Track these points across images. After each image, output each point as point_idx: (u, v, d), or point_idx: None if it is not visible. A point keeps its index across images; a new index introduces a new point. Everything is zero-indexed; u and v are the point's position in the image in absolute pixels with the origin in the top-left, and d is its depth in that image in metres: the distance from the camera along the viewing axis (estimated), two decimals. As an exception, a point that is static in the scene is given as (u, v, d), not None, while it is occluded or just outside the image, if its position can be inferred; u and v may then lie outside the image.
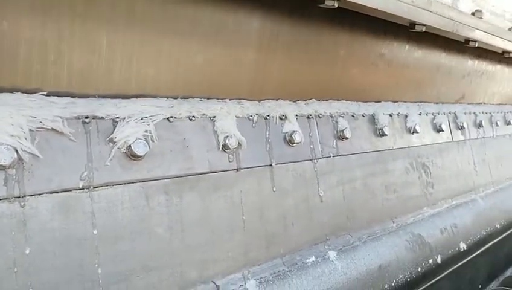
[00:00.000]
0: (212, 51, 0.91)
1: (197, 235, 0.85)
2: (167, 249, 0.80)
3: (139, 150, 0.76)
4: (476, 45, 1.22)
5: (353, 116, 1.29)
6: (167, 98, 0.85)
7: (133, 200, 0.77)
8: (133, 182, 0.77)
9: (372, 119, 1.35)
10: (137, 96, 0.81)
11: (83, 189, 0.71)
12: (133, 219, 0.76)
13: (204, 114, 0.89)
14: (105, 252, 0.72)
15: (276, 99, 1.09)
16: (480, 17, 1.17)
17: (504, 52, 1.43)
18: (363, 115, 1.32)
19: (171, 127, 0.84)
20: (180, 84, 0.88)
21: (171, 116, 0.84)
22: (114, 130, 0.75)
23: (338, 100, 1.25)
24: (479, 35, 1.18)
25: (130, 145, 0.75)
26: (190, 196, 0.85)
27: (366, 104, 1.34)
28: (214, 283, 0.86)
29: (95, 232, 0.72)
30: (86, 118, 0.73)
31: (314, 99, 1.19)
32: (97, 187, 0.72)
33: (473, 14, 1.18)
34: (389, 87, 1.41)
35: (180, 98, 0.88)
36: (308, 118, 1.15)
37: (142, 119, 0.79)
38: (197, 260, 0.84)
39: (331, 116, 1.22)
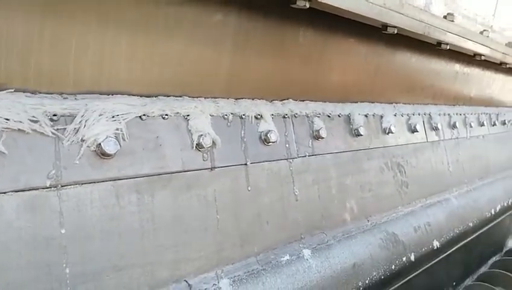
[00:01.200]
0: (186, 49, 0.90)
1: (169, 234, 0.84)
2: (138, 249, 0.80)
3: (109, 148, 0.75)
4: (448, 48, 1.24)
5: (329, 116, 1.30)
6: (140, 96, 0.85)
7: (103, 199, 0.76)
8: (103, 181, 0.76)
9: (348, 119, 1.36)
10: (109, 94, 0.80)
11: (51, 188, 0.70)
12: (102, 218, 0.75)
13: (178, 113, 0.89)
14: (74, 252, 0.71)
15: (252, 99, 1.10)
16: (452, 20, 1.20)
17: (475, 54, 1.47)
18: (339, 115, 1.34)
19: (144, 125, 0.83)
20: (153, 83, 0.87)
21: (144, 115, 0.83)
22: (84, 128, 0.74)
23: (314, 100, 1.26)
24: (451, 38, 1.21)
25: (100, 144, 0.74)
26: (162, 195, 0.84)
27: (342, 104, 1.36)
28: (186, 282, 0.86)
29: (63, 231, 0.70)
30: (54, 115, 0.71)
31: (290, 99, 1.20)
32: (65, 186, 0.71)
33: (445, 17, 1.20)
34: (365, 88, 1.43)
35: (154, 96, 0.88)
36: (284, 117, 1.15)
37: (113, 117, 0.78)
38: (169, 259, 0.84)
39: (307, 116, 1.23)
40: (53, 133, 0.70)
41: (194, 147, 0.91)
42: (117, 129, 0.77)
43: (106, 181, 0.76)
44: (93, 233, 0.74)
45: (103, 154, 0.75)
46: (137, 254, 0.80)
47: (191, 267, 0.87)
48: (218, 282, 0.90)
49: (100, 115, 0.76)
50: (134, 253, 0.79)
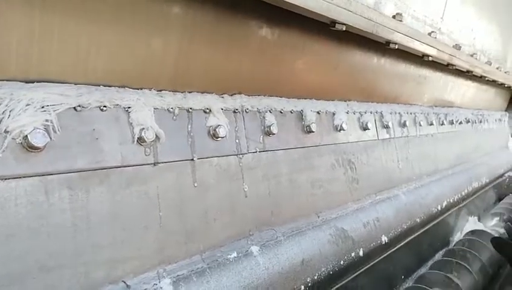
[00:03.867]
0: (127, 37, 0.85)
1: (105, 232, 0.80)
2: (70, 248, 0.75)
3: (37, 140, 0.69)
4: (396, 47, 1.27)
5: (281, 112, 1.29)
6: (75, 84, 0.79)
7: (29, 196, 0.70)
8: (30, 176, 0.70)
9: (300, 115, 1.36)
10: (39, 81, 0.75)
11: (-32, 183, 0.64)
12: (29, 215, 0.70)
13: (117, 104, 0.84)
14: (-5, 253, 0.66)
15: (202, 92, 1.07)
16: (401, 20, 1.23)
17: (424, 55, 1.52)
18: (291, 112, 1.33)
19: (78, 117, 0.78)
20: (91, 71, 0.82)
21: (79, 106, 0.78)
22: (8, 118, 0.68)
23: (266, 95, 1.25)
24: (399, 38, 1.23)
25: (26, 136, 0.69)
26: (99, 191, 0.79)
27: (295, 100, 1.35)
28: (124, 282, 0.82)
29: (-18, 230, 0.65)
30: (-27, 104, 0.65)
31: (242, 94, 1.18)
32: (-15, 181, 0.65)
33: (393, 17, 1.23)
34: (317, 85, 1.43)
35: (93, 86, 0.83)
36: (234, 112, 1.13)
37: (42, 107, 0.72)
38: (105, 259, 0.80)
39: (259, 112, 1.21)
40: (-30, 124, 0.64)
41: (135, 141, 0.86)
42: (46, 120, 0.72)
43: (34, 176, 0.71)
44: (18, 232, 0.69)
45: (30, 147, 0.70)
46: (69, 254, 0.75)
47: (129, 267, 0.83)
48: (160, 282, 0.86)
49: (27, 104, 0.70)
50: (65, 253, 0.74)
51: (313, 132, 1.37)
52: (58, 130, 0.74)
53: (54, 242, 0.73)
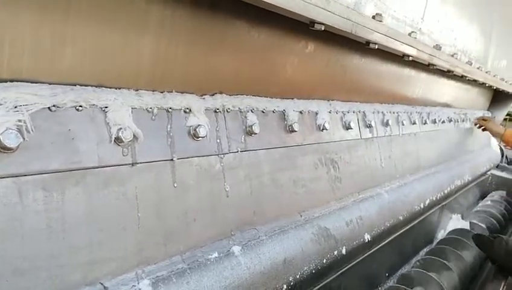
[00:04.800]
0: (106, 36, 0.84)
1: (82, 234, 0.79)
2: (45, 250, 0.74)
3: (9, 141, 0.68)
4: (376, 47, 1.28)
5: (263, 112, 1.29)
6: (49, 84, 0.78)
7: (2, 197, 0.69)
8: (2, 177, 0.69)
9: (283, 115, 1.37)
10: (11, 81, 0.73)
11: None
12: (2, 217, 0.69)
13: (94, 104, 0.83)
14: (-35, 256, 0.64)
15: (182, 92, 1.06)
16: (380, 21, 1.24)
17: (404, 55, 1.54)
18: (273, 111, 1.33)
19: (53, 117, 0.77)
20: (66, 70, 0.81)
21: (54, 106, 0.77)
22: (-22, 118, 0.67)
23: (247, 95, 1.24)
24: (379, 38, 1.25)
25: (-2, 136, 0.68)
26: (75, 192, 0.78)
27: (277, 100, 1.36)
28: (102, 284, 0.81)
29: (-49, 233, 0.63)
30: None
31: (223, 94, 1.18)
32: (-46, 183, 0.64)
33: (373, 17, 1.24)
34: (300, 85, 1.44)
35: (68, 85, 0.82)
36: (215, 112, 1.13)
37: (15, 107, 0.71)
38: (82, 260, 0.79)
39: (240, 111, 1.21)
40: None
41: (113, 141, 0.85)
42: (19, 121, 0.71)
43: (6, 177, 0.70)
44: (-11, 235, 0.67)
45: (3, 148, 0.69)
46: (44, 256, 0.74)
47: (107, 268, 0.82)
48: (138, 283, 0.86)
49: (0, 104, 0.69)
50: (40, 255, 0.73)
51: (295, 131, 1.37)
52: (32, 130, 0.72)
53: (29, 244, 0.72)
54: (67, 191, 0.77)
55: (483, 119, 3.28)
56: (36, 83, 0.76)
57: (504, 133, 3.06)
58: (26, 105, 0.72)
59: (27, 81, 0.75)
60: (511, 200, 3.70)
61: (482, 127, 3.26)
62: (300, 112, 1.44)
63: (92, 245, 0.80)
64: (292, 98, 1.43)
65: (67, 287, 0.76)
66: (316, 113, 1.51)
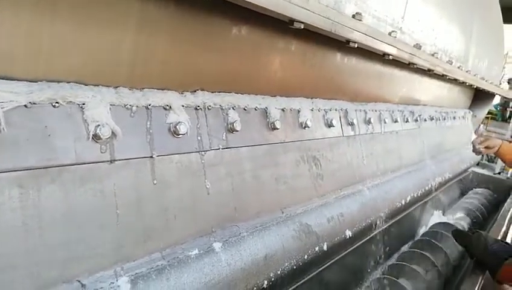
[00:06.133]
0: (83, 31, 0.84)
1: (58, 231, 0.79)
2: (21, 248, 0.73)
3: (-17, 138, 0.68)
4: (356, 46, 1.30)
5: (245, 109, 1.30)
6: (24, 80, 0.77)
7: (-24, 195, 0.68)
8: (-24, 174, 0.69)
9: (265, 113, 1.37)
10: (-15, 78, 0.72)
11: None
12: (-25, 215, 0.68)
13: (71, 101, 0.83)
14: None
15: (162, 89, 1.06)
16: (360, 20, 1.26)
17: (384, 54, 1.56)
18: (255, 109, 1.34)
19: (28, 113, 0.76)
20: (42, 66, 0.80)
21: (29, 103, 0.76)
22: (-49, 115, 0.66)
23: (229, 92, 1.25)
24: (358, 37, 1.26)
25: (-29, 133, 0.67)
26: (51, 190, 0.78)
27: (259, 98, 1.36)
28: (79, 282, 0.81)
29: None
30: None
31: (204, 91, 1.18)
32: None
33: (353, 16, 1.26)
34: (282, 82, 1.45)
35: (44, 81, 0.81)
36: (196, 109, 1.13)
37: (-11, 104, 0.70)
38: (59, 258, 0.78)
39: (221, 109, 1.21)
40: None
41: (90, 138, 0.85)
42: (-7, 117, 0.70)
43: (-20, 175, 0.69)
44: (-37, 232, 0.67)
45: (-24, 145, 0.68)
46: (20, 254, 0.73)
47: (85, 266, 0.82)
48: (117, 280, 0.86)
49: (-28, 101, 0.69)
50: (16, 253, 0.72)
51: (277, 129, 1.38)
52: (6, 127, 0.72)
53: (4, 242, 0.71)
54: (43, 189, 0.77)
55: (482, 140, 2.56)
56: (12, 80, 0.76)
57: (499, 149, 2.45)
58: (2, 102, 0.71)
59: (2, 78, 0.74)
60: (491, 197, 3.79)
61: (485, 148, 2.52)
62: (283, 110, 1.45)
63: (69, 243, 0.80)
64: (274, 96, 1.44)
65: (44, 284, 0.75)
66: (298, 111, 1.52)
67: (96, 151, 0.86)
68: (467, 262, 2.35)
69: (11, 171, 0.73)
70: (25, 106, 0.76)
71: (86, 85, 0.87)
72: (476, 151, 2.57)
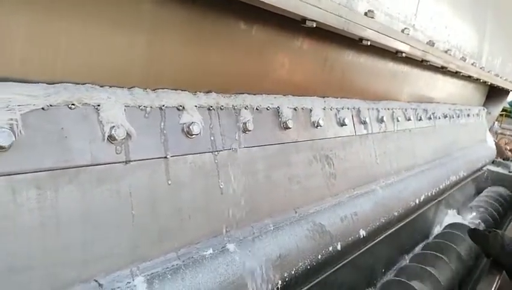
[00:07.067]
0: (98, 33, 0.85)
1: (76, 232, 0.79)
2: (39, 248, 0.74)
3: (2, 140, 0.69)
4: (369, 44, 1.29)
5: (257, 109, 1.30)
6: (41, 83, 0.78)
7: (-5, 196, 0.69)
8: (-5, 176, 0.70)
9: (277, 112, 1.37)
10: (3, 80, 0.73)
11: None
12: (-5, 216, 0.69)
13: (87, 103, 0.84)
14: (-42, 254, 0.65)
15: (175, 90, 1.06)
16: (372, 17, 1.25)
17: (397, 51, 1.54)
18: (267, 108, 1.34)
19: (45, 116, 0.77)
20: (58, 69, 0.81)
21: (46, 105, 0.77)
22: (-30, 117, 0.67)
23: (241, 92, 1.25)
24: (371, 35, 1.25)
25: (-10, 135, 0.68)
26: (68, 191, 0.79)
27: (271, 97, 1.36)
28: (96, 281, 0.82)
29: None
30: None
31: (214, 92, 1.18)
32: None
33: (365, 14, 1.25)
34: (294, 81, 1.44)
35: (60, 83, 0.82)
36: (208, 109, 1.13)
37: (7, 107, 0.71)
38: (77, 258, 0.79)
39: (234, 109, 1.21)
40: None
41: (106, 139, 0.86)
42: (11, 119, 0.71)
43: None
44: (-17, 233, 0.68)
45: (-5, 147, 0.69)
46: (38, 254, 0.74)
47: (101, 266, 0.83)
48: (133, 280, 0.86)
49: (-9, 104, 0.70)
50: (34, 253, 0.73)
51: (289, 128, 1.38)
52: (24, 129, 0.73)
53: (22, 243, 0.72)
54: (60, 190, 0.78)
55: (508, 142, 2.78)
56: (28, 82, 0.77)
57: None
58: (20, 106, 0.72)
59: (19, 81, 0.75)
60: (507, 195, 3.73)
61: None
62: (295, 109, 1.44)
63: (86, 243, 0.81)
64: (286, 95, 1.44)
65: (62, 285, 0.76)
66: (310, 110, 1.52)
67: (111, 152, 0.87)
68: (483, 262, 2.32)
69: (29, 172, 0.73)
70: (42, 108, 0.77)
71: (101, 86, 0.88)
72: (502, 153, 2.55)
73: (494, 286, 1.70)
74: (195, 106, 1.08)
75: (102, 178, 0.85)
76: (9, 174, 0.71)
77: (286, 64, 1.39)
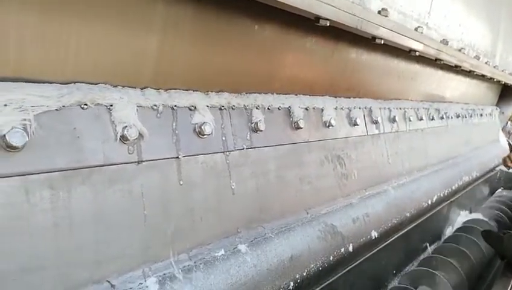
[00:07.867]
0: (111, 33, 0.84)
1: (89, 232, 0.79)
2: (52, 249, 0.74)
3: (15, 140, 0.69)
4: (382, 42, 1.27)
5: (268, 108, 1.29)
6: (51, 82, 0.78)
7: (9, 196, 0.69)
8: (9, 176, 0.69)
9: (288, 112, 1.36)
10: (16, 80, 0.73)
11: None
12: (8, 216, 0.69)
13: (99, 103, 0.83)
14: (-27, 254, 0.65)
15: (186, 90, 1.06)
16: (386, 16, 1.23)
17: (411, 50, 1.52)
18: (278, 108, 1.33)
19: (58, 115, 0.77)
20: (71, 69, 0.81)
21: (59, 106, 0.77)
22: (-16, 118, 0.67)
23: (252, 92, 1.24)
24: (385, 33, 1.23)
25: (4, 135, 0.68)
26: (81, 191, 0.79)
27: (282, 97, 1.35)
28: (109, 282, 0.81)
29: (-41, 232, 0.64)
30: None
31: (226, 92, 1.17)
32: (-38, 182, 0.64)
33: (379, 12, 1.23)
34: (305, 81, 1.43)
35: (72, 83, 0.82)
36: (220, 109, 1.12)
37: (20, 107, 0.71)
38: (89, 259, 0.79)
39: (245, 108, 1.20)
40: None
41: (118, 140, 0.85)
42: (24, 120, 0.71)
43: (13, 176, 0.70)
44: (-4, 233, 0.68)
45: (9, 147, 0.69)
46: (51, 255, 0.74)
47: (114, 266, 0.83)
48: (145, 281, 0.86)
49: (5, 105, 0.69)
50: (47, 253, 0.73)
51: (301, 128, 1.37)
52: (37, 129, 0.72)
53: (35, 243, 0.72)
54: (73, 190, 0.77)
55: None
56: (42, 82, 0.76)
57: None
58: (33, 106, 0.72)
59: (32, 81, 0.75)
60: (520, 196, 3.66)
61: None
62: (306, 109, 1.43)
63: (99, 243, 0.81)
64: (297, 95, 1.43)
65: (75, 285, 0.76)
66: (322, 110, 1.50)
67: (124, 152, 0.87)
68: (497, 264, 2.28)
69: (42, 173, 0.73)
70: (56, 109, 0.77)
71: (114, 86, 0.87)
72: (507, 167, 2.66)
73: (509, 287, 1.67)
74: (207, 106, 1.07)
75: (114, 178, 0.84)
76: (23, 175, 0.71)
77: (297, 64, 1.38)
